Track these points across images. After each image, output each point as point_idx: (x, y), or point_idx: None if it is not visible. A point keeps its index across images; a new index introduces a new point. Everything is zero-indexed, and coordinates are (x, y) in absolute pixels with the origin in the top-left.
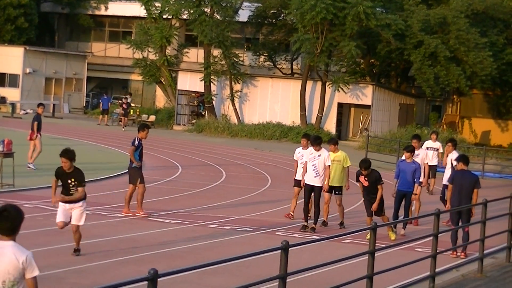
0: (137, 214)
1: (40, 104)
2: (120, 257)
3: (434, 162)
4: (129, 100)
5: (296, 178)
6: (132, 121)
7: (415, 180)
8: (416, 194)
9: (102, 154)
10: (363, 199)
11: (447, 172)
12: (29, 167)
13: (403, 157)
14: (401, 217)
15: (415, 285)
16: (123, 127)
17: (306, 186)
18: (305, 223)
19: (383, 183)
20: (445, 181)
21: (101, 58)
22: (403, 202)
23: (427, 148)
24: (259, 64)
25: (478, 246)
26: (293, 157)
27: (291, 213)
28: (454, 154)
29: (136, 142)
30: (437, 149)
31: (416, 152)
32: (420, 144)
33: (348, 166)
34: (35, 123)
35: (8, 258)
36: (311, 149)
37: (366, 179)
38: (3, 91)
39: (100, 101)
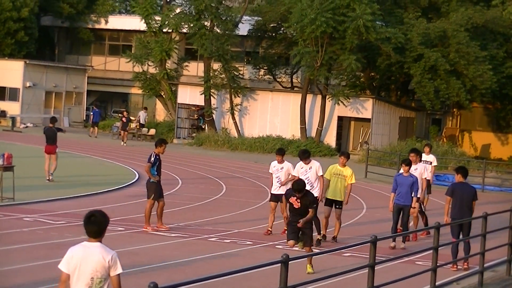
0: (160, 228)
1: (54, 119)
2: None
3: (427, 176)
4: (144, 116)
5: (272, 192)
6: (132, 134)
7: (412, 193)
8: (414, 207)
9: (103, 168)
10: (286, 221)
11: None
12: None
13: (401, 171)
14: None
15: None
16: (123, 142)
17: None
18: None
19: (316, 206)
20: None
21: (101, 71)
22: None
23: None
24: (259, 77)
25: (479, 260)
26: (270, 171)
27: (269, 229)
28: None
29: (152, 159)
30: (431, 163)
31: (414, 166)
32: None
33: (352, 183)
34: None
35: (96, 257)
36: (301, 163)
37: (299, 201)
38: (3, 105)
39: (91, 113)
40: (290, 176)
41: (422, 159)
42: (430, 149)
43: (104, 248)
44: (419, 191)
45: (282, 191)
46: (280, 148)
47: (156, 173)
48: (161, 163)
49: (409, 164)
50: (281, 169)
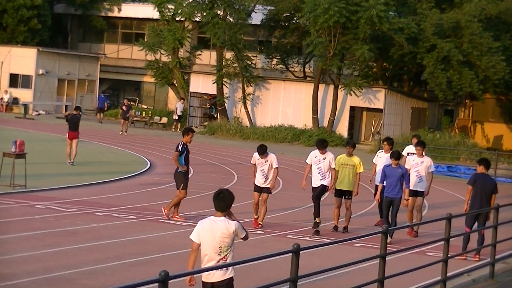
0: (162, 209)
1: (78, 108)
2: (131, 258)
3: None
4: (181, 107)
5: (256, 183)
6: (144, 123)
7: (404, 186)
8: (407, 199)
9: (115, 155)
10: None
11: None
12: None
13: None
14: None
15: None
16: (121, 131)
17: (313, 189)
18: (317, 228)
19: None
20: (377, 181)
21: (114, 59)
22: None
23: (408, 154)
24: (272, 67)
25: (490, 251)
26: (252, 162)
27: (260, 223)
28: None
29: (180, 147)
30: None
31: (420, 159)
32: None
33: (360, 172)
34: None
35: (222, 229)
36: (316, 151)
37: None
38: (16, 92)
39: (97, 99)
40: (274, 171)
41: (410, 151)
42: (418, 140)
43: (227, 221)
44: (425, 184)
45: (267, 184)
46: (262, 145)
47: (183, 162)
48: (189, 153)
49: (398, 158)
50: (265, 162)
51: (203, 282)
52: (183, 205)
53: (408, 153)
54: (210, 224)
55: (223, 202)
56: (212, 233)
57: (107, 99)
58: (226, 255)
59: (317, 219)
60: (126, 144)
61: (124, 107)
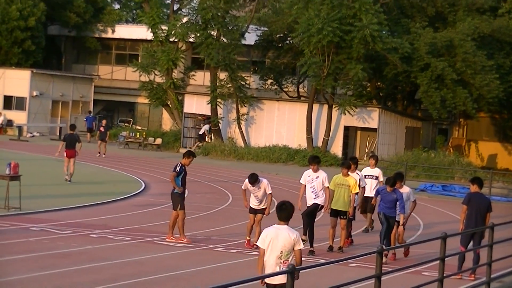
0: (180, 241)
1: (74, 126)
2: (126, 280)
3: (372, 193)
4: (205, 128)
5: (251, 205)
6: (139, 144)
7: (398, 210)
8: (401, 225)
9: (109, 177)
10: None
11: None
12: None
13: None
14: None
15: None
16: (99, 153)
17: (307, 208)
18: (312, 248)
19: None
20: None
21: (108, 81)
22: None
23: (365, 176)
24: (266, 87)
25: (485, 270)
26: (244, 187)
27: (255, 243)
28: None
29: (178, 168)
30: (377, 177)
31: (401, 191)
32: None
33: (356, 193)
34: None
35: (284, 236)
36: (309, 171)
37: None
38: (10, 114)
39: (85, 120)
40: (268, 197)
41: (367, 173)
42: (375, 162)
43: (290, 230)
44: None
45: (262, 206)
46: (252, 174)
47: (180, 183)
48: (186, 175)
49: (393, 185)
50: (258, 189)
51: (266, 284)
52: (177, 226)
53: (365, 176)
54: (274, 232)
55: (285, 212)
56: (275, 239)
57: (95, 119)
58: (287, 259)
59: (303, 237)
60: (118, 165)
61: (102, 128)
